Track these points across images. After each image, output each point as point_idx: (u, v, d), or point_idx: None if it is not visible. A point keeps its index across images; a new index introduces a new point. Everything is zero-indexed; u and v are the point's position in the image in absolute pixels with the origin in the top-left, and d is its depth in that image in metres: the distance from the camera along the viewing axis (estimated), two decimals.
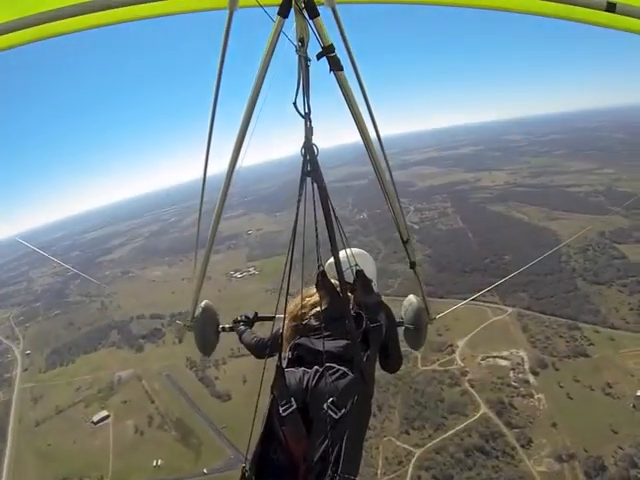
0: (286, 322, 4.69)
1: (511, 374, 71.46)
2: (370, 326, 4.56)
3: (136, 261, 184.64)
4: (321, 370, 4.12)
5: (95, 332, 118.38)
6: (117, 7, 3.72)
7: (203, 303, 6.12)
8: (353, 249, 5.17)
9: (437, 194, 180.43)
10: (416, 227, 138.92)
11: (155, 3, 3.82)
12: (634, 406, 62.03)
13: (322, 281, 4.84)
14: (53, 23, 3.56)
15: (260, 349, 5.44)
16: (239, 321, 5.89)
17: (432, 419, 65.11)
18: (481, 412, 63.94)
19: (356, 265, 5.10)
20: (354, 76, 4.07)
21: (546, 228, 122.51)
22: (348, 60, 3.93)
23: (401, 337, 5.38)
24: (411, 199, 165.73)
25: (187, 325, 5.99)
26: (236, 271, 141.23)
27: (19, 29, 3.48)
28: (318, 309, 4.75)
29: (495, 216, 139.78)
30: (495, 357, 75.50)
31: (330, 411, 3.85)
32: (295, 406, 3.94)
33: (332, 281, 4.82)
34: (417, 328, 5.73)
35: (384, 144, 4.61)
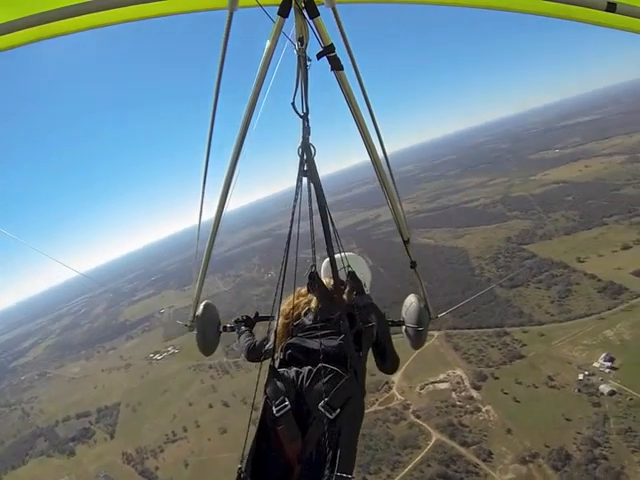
0: (279, 322, 4.80)
1: (453, 395, 71.29)
2: (363, 327, 4.60)
3: (52, 360, 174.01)
4: (315, 370, 4.15)
5: (20, 443, 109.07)
6: (117, 7, 3.76)
7: (204, 303, 6.10)
8: (347, 253, 5.31)
9: (341, 238, 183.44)
10: None
11: (155, 3, 3.85)
12: (579, 390, 63.94)
13: (314, 282, 4.95)
14: (53, 23, 3.59)
15: (251, 353, 5.45)
16: (240, 321, 5.88)
17: (386, 459, 63.83)
18: (434, 440, 63.51)
19: (348, 266, 5.23)
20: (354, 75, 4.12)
21: (454, 247, 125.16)
22: (348, 59, 3.97)
23: (398, 336, 5.44)
24: (316, 249, 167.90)
25: (188, 325, 5.98)
26: (156, 353, 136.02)
27: (19, 29, 3.50)
28: (310, 309, 4.83)
29: (402, 247, 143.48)
30: (433, 383, 75.34)
31: (325, 411, 3.89)
32: (289, 406, 3.98)
33: (324, 282, 4.96)
34: (418, 327, 5.83)
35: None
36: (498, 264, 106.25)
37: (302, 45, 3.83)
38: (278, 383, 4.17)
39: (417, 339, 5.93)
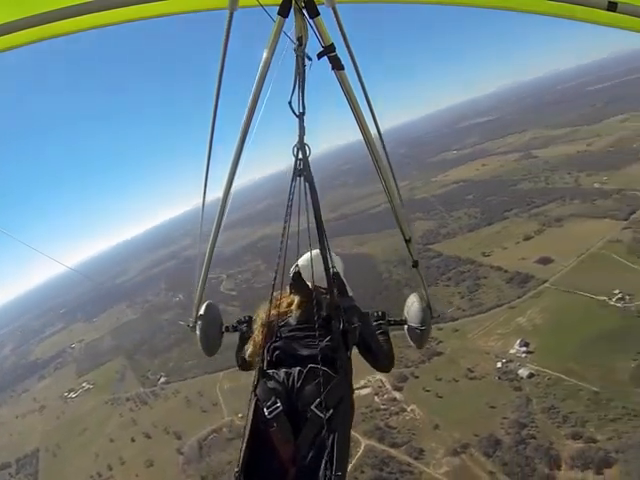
0: (262, 324, 4.74)
1: (376, 399, 71.49)
2: (350, 327, 4.64)
3: None
4: (305, 371, 4.17)
5: None
6: (117, 7, 3.77)
7: (206, 304, 6.00)
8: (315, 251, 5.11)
9: (245, 255, 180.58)
10: (234, 293, 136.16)
11: (155, 3, 3.86)
12: (499, 377, 66.42)
13: (297, 282, 5.00)
14: (53, 24, 3.58)
15: (241, 365, 5.30)
16: (243, 322, 5.76)
17: None
18: (363, 446, 63.50)
19: (333, 267, 5.07)
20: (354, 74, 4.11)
21: (359, 253, 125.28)
22: (349, 59, 3.98)
23: (400, 336, 5.53)
24: (221, 268, 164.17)
25: (190, 325, 5.90)
26: (70, 391, 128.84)
27: (20, 29, 3.49)
28: (292, 310, 4.83)
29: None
30: (355, 390, 76.33)
31: (318, 412, 3.92)
32: (281, 407, 3.99)
33: (307, 283, 4.96)
34: (420, 327, 5.77)
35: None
36: (406, 266, 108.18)
37: (301, 45, 3.83)
38: (268, 384, 4.18)
39: (420, 338, 5.88)
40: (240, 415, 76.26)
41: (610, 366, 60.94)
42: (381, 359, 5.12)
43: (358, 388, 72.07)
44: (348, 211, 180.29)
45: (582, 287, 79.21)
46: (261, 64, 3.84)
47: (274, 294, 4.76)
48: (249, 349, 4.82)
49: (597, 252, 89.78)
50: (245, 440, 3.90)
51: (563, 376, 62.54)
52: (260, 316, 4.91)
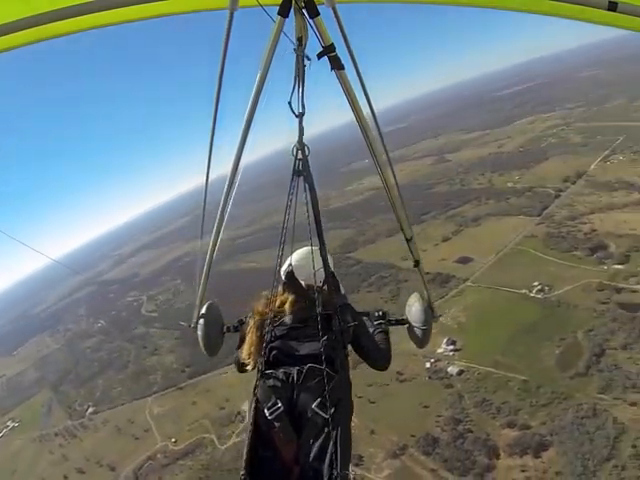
0: (256, 323, 4.78)
1: None
2: (346, 326, 4.71)
3: None
4: (304, 371, 4.21)
5: None
6: (117, 7, 3.74)
7: (207, 303, 6.03)
8: (314, 247, 5.15)
9: (164, 275, 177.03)
10: (155, 315, 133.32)
11: (155, 3, 3.84)
12: (429, 377, 67.55)
13: (291, 281, 5.04)
14: (53, 24, 3.56)
15: (240, 368, 5.09)
16: (244, 322, 5.62)
17: None
18: None
19: (329, 266, 5.03)
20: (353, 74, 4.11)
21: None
22: (349, 59, 3.98)
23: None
24: (140, 290, 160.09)
25: (192, 326, 5.87)
26: None
27: (20, 29, 3.46)
28: (288, 309, 4.84)
29: (229, 275, 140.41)
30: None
31: (320, 411, 3.97)
32: (282, 407, 4.03)
33: (300, 281, 5.04)
34: (422, 326, 5.78)
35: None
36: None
37: (301, 45, 3.83)
38: (268, 385, 4.20)
39: (421, 338, 5.87)
40: (174, 440, 75.16)
41: (536, 355, 63.17)
42: (377, 358, 5.16)
43: None
44: (264, 225, 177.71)
45: (502, 282, 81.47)
46: (261, 64, 3.84)
47: (265, 293, 5.00)
48: (243, 350, 4.77)
49: (514, 248, 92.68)
50: (248, 441, 3.91)
51: (492, 369, 64.08)
52: (253, 317, 4.91)
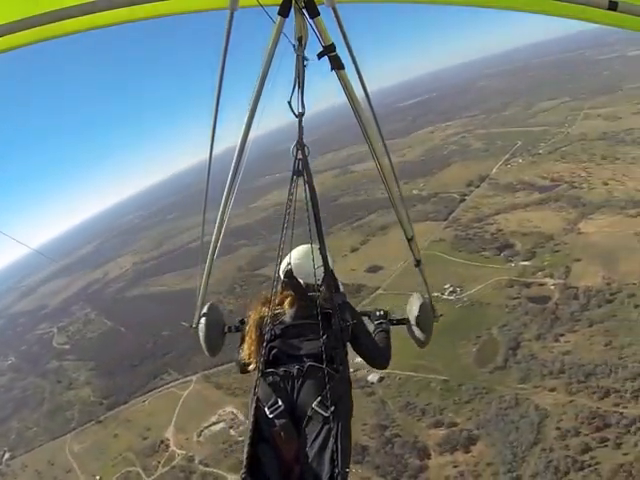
0: (256, 322, 4.76)
1: (232, 432, 68.67)
2: (346, 324, 4.71)
3: None
4: (304, 369, 4.24)
5: None
6: (118, 8, 3.73)
7: (208, 304, 5.98)
8: (309, 247, 5.21)
9: (73, 305, 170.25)
10: (67, 347, 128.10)
11: (155, 3, 3.82)
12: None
13: (290, 280, 5.04)
14: (54, 24, 3.57)
15: (242, 368, 5.09)
16: (245, 322, 5.44)
17: None
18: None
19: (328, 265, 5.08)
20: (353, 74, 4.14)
21: (186, 289, 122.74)
22: (349, 59, 4.01)
23: (397, 335, 5.58)
24: (50, 322, 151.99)
25: (193, 326, 5.83)
26: None
27: (20, 29, 3.46)
28: (288, 308, 4.82)
29: (138, 300, 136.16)
30: (208, 427, 72.13)
31: (320, 409, 4.01)
32: (283, 406, 4.06)
33: (300, 280, 5.06)
34: (422, 326, 5.75)
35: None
36: (236, 294, 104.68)
37: (301, 45, 3.83)
38: (268, 384, 4.21)
39: (422, 338, 5.84)
40: (98, 477, 71.54)
41: (454, 354, 64.58)
42: (376, 357, 5.14)
43: (208, 425, 70.56)
44: (172, 246, 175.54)
45: (414, 288, 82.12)
46: (262, 64, 3.85)
47: (264, 293, 4.94)
48: (244, 350, 4.79)
49: (423, 253, 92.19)
50: (249, 441, 3.89)
51: (412, 373, 64.74)
52: (252, 316, 4.87)
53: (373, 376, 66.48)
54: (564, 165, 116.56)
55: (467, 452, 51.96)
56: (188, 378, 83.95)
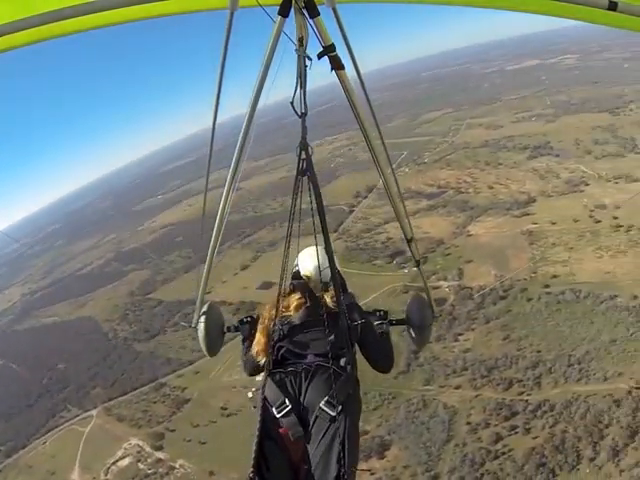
0: (265, 324, 4.81)
1: (140, 465, 66.15)
2: (353, 324, 4.75)
3: None
4: (312, 369, 4.31)
5: None
6: (118, 7, 3.70)
7: (207, 304, 5.95)
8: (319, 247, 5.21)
9: None
10: None
11: (155, 3, 3.78)
12: (255, 407, 66.88)
13: (298, 282, 5.09)
14: (53, 24, 3.56)
15: (251, 369, 5.12)
16: (245, 322, 5.56)
17: None
18: None
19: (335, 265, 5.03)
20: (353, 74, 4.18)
21: (80, 317, 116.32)
22: (349, 59, 4.03)
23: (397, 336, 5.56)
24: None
25: (192, 326, 5.86)
26: None
27: (20, 29, 3.43)
28: (296, 308, 4.84)
29: (29, 333, 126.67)
30: (115, 463, 69.47)
31: (328, 409, 4.06)
32: (290, 406, 4.12)
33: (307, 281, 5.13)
34: (422, 327, 5.83)
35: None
36: (129, 320, 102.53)
37: (302, 45, 3.82)
38: (276, 384, 4.27)
39: (421, 339, 5.92)
40: None
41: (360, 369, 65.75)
42: (382, 359, 5.16)
43: (115, 461, 67.68)
44: (61, 274, 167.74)
45: None
46: (262, 64, 3.82)
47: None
48: (255, 349, 4.78)
49: None
50: (256, 440, 4.00)
51: None
52: (264, 316, 4.92)
53: None
54: (450, 172, 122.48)
55: (382, 458, 52.44)
56: (88, 413, 79.87)
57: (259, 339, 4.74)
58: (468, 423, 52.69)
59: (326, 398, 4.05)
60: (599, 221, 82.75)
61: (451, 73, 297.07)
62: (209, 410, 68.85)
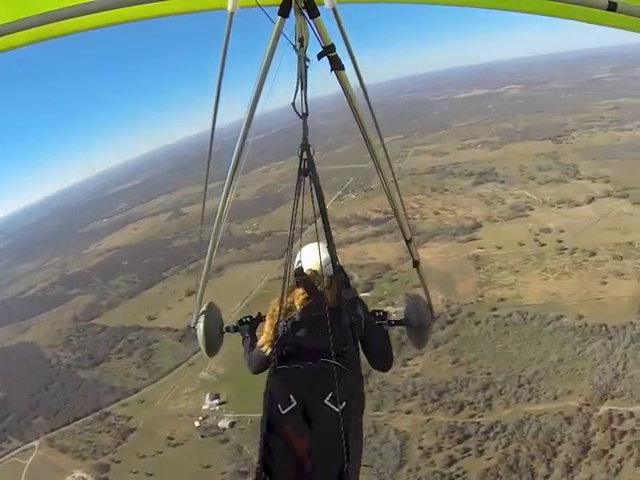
0: (269, 321, 4.85)
1: None
2: (356, 320, 4.70)
3: None
4: (316, 365, 4.31)
5: None
6: (117, 8, 3.71)
7: (207, 304, 6.00)
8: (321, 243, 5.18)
9: None
10: None
11: (155, 3, 3.78)
12: (202, 436, 65.34)
13: (301, 278, 4.95)
14: (53, 24, 3.55)
15: (257, 365, 5.02)
16: (244, 322, 5.65)
17: None
18: None
19: (337, 260, 4.99)
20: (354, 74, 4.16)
21: (22, 342, 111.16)
22: (349, 59, 4.02)
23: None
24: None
25: (191, 326, 5.88)
26: None
27: (20, 29, 3.42)
28: (299, 305, 4.75)
29: None
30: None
31: (332, 405, 4.11)
32: (295, 403, 4.17)
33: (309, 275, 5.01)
34: (421, 327, 5.76)
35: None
36: (73, 347, 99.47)
37: (302, 45, 3.79)
38: (280, 381, 4.32)
39: (420, 339, 5.86)
40: None
41: None
42: (383, 357, 5.17)
43: None
44: (2, 297, 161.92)
45: None
46: (261, 65, 3.80)
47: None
48: (261, 342, 4.83)
49: (260, 292, 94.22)
50: (262, 437, 4.16)
51: None
52: (274, 309, 4.87)
53: (223, 422, 65.90)
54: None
55: None
56: (30, 444, 76.68)
57: (268, 332, 4.76)
58: (420, 447, 52.95)
59: (330, 394, 4.09)
60: (544, 244, 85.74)
61: (402, 100, 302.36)
62: (155, 440, 67.36)
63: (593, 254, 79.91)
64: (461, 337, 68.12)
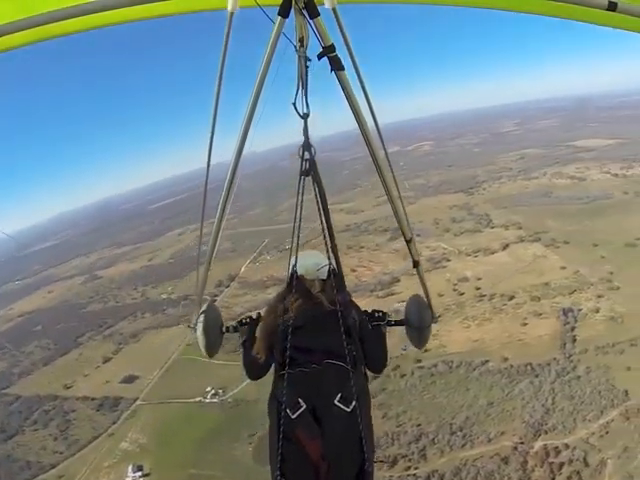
0: (263, 328, 4.92)
1: None
2: (352, 321, 4.72)
3: None
4: (321, 368, 4.34)
5: None
6: (118, 8, 3.76)
7: (206, 303, 5.95)
8: (313, 251, 5.57)
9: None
10: None
11: (155, 3, 3.80)
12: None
13: (297, 282, 4.97)
14: (53, 24, 3.63)
15: (253, 370, 5.11)
16: (244, 323, 5.53)
17: None
18: None
19: (331, 264, 5.19)
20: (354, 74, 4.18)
21: None
22: (349, 59, 4.08)
23: (390, 335, 5.45)
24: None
25: (191, 326, 5.84)
26: None
27: (21, 30, 3.49)
28: (296, 309, 4.74)
29: None
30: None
31: (342, 405, 4.12)
32: (304, 406, 4.13)
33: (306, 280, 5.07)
34: (420, 327, 5.75)
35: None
36: None
37: (302, 46, 3.89)
38: (287, 385, 4.27)
39: (420, 339, 5.83)
40: None
41: (231, 457, 63.79)
42: (377, 359, 5.13)
43: None
44: None
45: (174, 395, 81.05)
46: (262, 65, 3.85)
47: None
48: (258, 349, 4.84)
49: (178, 358, 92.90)
50: (277, 444, 4.01)
51: None
52: (263, 318, 5.05)
53: None
54: None
55: None
56: None
57: (260, 340, 4.81)
58: None
59: (339, 394, 4.12)
60: (463, 293, 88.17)
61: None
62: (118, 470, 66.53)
63: (512, 298, 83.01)
64: (388, 391, 68.03)
